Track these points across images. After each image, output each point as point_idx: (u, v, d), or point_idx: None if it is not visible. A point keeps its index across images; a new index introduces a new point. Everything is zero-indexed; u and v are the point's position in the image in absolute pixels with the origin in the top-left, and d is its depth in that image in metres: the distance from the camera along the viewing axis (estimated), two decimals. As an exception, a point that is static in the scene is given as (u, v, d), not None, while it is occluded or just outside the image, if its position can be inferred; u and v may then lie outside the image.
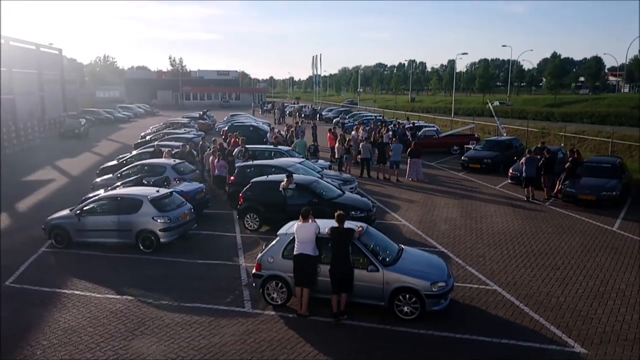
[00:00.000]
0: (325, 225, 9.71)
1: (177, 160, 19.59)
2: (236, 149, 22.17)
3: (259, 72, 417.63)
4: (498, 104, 67.67)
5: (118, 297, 10.71)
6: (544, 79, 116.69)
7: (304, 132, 30.31)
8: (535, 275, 11.50)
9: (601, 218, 15.97)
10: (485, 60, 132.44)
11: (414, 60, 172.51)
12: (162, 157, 20.23)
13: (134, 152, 23.35)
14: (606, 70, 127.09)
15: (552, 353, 8.21)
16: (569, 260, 12.44)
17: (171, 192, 14.59)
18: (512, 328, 9.06)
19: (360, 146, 23.81)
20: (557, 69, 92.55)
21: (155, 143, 24.23)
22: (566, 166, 18.93)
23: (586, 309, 9.72)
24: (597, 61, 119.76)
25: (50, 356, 8.41)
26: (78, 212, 13.99)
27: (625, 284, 10.90)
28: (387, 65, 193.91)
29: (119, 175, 18.67)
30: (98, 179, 19.72)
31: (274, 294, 10.06)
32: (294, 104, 79.18)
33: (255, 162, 18.98)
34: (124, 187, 15.48)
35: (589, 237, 14.22)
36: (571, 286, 10.85)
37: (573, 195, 17.62)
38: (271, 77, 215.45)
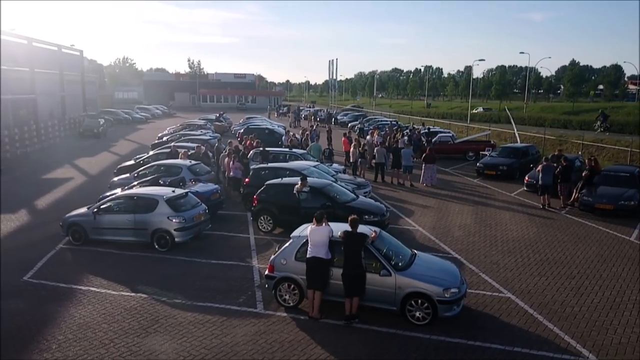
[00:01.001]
0: (339, 228, 9.73)
1: (193, 162, 19.77)
2: (251, 151, 22.33)
3: (275, 75, 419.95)
4: (482, 110, 67.96)
5: (132, 294, 10.85)
6: (562, 87, 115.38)
7: (319, 135, 30.38)
8: (550, 283, 11.38)
9: (618, 228, 15.74)
10: (503, 66, 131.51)
11: (431, 66, 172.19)
12: (178, 158, 20.44)
13: (151, 153, 23.60)
14: (626, 79, 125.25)
15: (565, 362, 8.13)
16: (584, 269, 12.29)
17: (186, 193, 14.74)
18: (525, 336, 8.97)
19: (375, 151, 23.79)
20: (576, 76, 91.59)
21: (172, 144, 24.48)
22: (583, 174, 18.72)
23: (602, 319, 9.60)
24: (617, 69, 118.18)
25: (65, 351, 8.55)
26: (95, 210, 14.19)
27: (642, 295, 10.74)
28: (403, 71, 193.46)
29: (135, 174, 18.85)
30: (115, 178, 19.90)
31: (286, 295, 10.10)
32: (310, 107, 79.39)
33: (270, 164, 19.09)
34: (140, 186, 15.65)
35: (605, 246, 14.03)
36: (586, 296, 10.71)
37: (590, 204, 17.40)
38: (287, 81, 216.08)
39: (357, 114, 61.19)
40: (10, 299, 10.66)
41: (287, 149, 23.40)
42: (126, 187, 15.96)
